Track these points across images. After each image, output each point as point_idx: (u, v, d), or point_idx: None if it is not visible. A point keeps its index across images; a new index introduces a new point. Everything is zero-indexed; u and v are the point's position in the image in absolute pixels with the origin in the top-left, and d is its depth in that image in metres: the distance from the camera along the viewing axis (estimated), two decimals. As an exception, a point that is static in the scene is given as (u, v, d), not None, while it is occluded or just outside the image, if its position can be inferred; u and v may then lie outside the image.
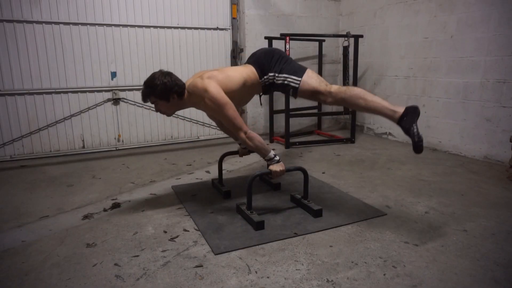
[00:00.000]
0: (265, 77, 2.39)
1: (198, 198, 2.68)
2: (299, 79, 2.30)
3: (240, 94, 2.35)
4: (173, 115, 4.46)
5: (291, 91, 2.34)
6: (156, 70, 4.58)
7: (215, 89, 2.17)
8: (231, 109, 2.19)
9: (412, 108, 2.16)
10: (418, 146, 2.11)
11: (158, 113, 4.40)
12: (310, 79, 2.32)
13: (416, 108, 2.15)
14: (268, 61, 2.39)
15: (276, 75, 2.36)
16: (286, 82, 2.34)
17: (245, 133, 2.23)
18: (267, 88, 2.46)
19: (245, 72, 2.38)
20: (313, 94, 2.32)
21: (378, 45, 4.70)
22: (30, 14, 3.67)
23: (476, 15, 3.54)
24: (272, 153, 2.29)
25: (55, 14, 3.76)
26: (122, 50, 4.13)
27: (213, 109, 2.20)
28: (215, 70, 2.35)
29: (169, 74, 2.24)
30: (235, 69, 2.42)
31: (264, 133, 4.78)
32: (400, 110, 2.18)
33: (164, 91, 2.20)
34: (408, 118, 2.18)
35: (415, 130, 2.14)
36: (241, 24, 4.67)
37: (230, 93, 2.24)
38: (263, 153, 2.28)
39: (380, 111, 2.24)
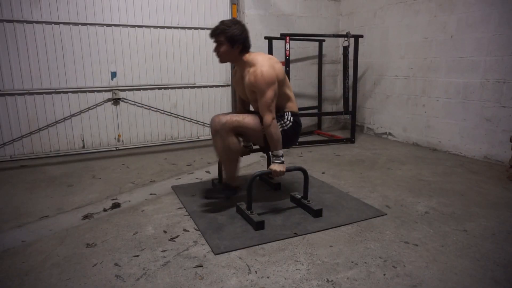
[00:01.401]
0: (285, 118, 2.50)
1: (198, 198, 2.68)
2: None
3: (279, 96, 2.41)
4: (173, 114, 4.49)
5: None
6: (156, 70, 4.57)
7: (271, 69, 2.26)
8: (274, 91, 2.24)
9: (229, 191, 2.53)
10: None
11: (158, 113, 4.44)
12: (252, 123, 2.41)
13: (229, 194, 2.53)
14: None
15: (286, 125, 2.49)
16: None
17: (273, 118, 2.26)
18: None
19: (290, 94, 2.50)
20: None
21: (378, 45, 4.70)
22: (30, 14, 3.67)
23: (476, 15, 3.54)
24: (281, 151, 2.31)
25: (55, 14, 3.76)
26: (122, 50, 4.13)
27: (258, 83, 2.22)
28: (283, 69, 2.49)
29: (245, 27, 2.35)
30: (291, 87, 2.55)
31: (264, 133, 4.77)
32: (233, 183, 2.51)
33: (236, 36, 2.27)
34: (224, 192, 2.53)
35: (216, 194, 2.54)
36: (241, 24, 4.66)
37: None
38: (275, 145, 2.29)
39: (226, 166, 2.46)
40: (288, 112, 2.45)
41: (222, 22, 2.30)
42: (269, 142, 2.32)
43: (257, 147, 2.70)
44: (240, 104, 2.74)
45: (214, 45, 2.36)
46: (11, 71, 3.68)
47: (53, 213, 2.46)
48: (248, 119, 2.35)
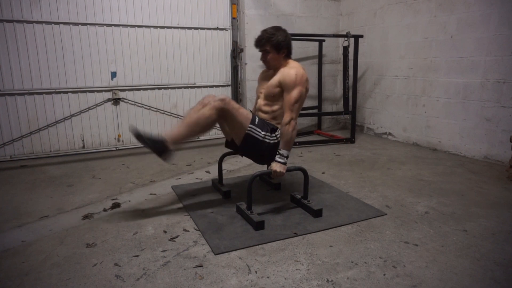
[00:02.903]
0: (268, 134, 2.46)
1: (198, 198, 2.68)
2: (258, 132, 2.39)
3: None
4: (173, 114, 4.49)
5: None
6: (156, 70, 4.56)
7: (305, 76, 2.36)
8: (301, 94, 2.31)
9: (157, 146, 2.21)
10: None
11: (158, 113, 4.44)
12: (239, 116, 2.37)
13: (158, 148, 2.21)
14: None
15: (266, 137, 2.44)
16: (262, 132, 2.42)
17: (294, 119, 2.30)
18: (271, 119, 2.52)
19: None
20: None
21: (378, 45, 4.70)
22: (30, 14, 3.67)
23: (476, 15, 3.54)
24: (289, 152, 2.33)
25: (55, 14, 3.76)
26: (122, 50, 4.13)
27: (291, 80, 2.29)
28: None
29: (287, 32, 2.46)
30: None
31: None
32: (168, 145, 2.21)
33: (281, 43, 2.38)
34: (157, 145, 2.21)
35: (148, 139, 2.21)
36: (241, 24, 4.67)
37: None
38: (287, 146, 2.31)
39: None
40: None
41: (265, 31, 2.42)
42: (281, 139, 2.33)
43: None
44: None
45: (260, 54, 2.47)
46: (11, 71, 3.68)
47: (53, 213, 2.46)
48: (241, 111, 2.33)
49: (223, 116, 2.27)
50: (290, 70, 2.33)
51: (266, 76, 2.57)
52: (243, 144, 2.36)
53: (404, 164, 3.51)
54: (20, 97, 3.76)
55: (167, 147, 2.18)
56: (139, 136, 2.20)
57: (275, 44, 2.38)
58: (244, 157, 3.15)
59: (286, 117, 2.29)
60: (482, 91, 3.57)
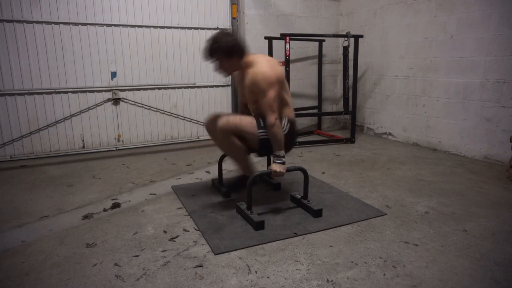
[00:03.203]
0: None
1: (198, 198, 2.68)
2: (258, 132, 2.41)
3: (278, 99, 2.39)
4: (173, 114, 4.49)
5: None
6: (156, 70, 4.56)
7: (272, 69, 2.26)
8: (275, 92, 2.25)
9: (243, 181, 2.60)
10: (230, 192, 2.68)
11: (158, 113, 4.44)
12: (248, 125, 2.41)
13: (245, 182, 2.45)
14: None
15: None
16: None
17: (276, 118, 2.26)
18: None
19: (288, 99, 2.48)
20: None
21: (378, 45, 4.70)
22: (30, 14, 3.67)
23: (476, 15, 3.54)
24: (283, 152, 2.32)
25: (55, 14, 3.76)
26: (122, 50, 4.13)
27: (260, 83, 2.23)
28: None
29: (234, 36, 2.36)
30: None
31: (264, 133, 4.77)
32: (248, 173, 2.59)
33: (231, 48, 2.27)
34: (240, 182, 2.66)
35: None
36: (241, 24, 4.67)
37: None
38: (278, 146, 2.30)
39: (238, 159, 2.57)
40: (285, 117, 2.45)
41: (209, 41, 2.29)
42: (272, 142, 2.32)
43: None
44: (242, 109, 2.74)
45: (213, 64, 2.37)
46: (11, 71, 3.68)
47: (53, 213, 2.46)
48: (245, 122, 2.36)
49: (232, 133, 2.36)
50: (256, 72, 2.24)
51: (239, 78, 2.50)
52: (261, 148, 2.43)
53: (404, 164, 3.51)
54: (20, 97, 3.76)
55: (246, 177, 2.60)
56: (234, 191, 2.70)
57: (225, 51, 2.26)
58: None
59: (270, 118, 2.25)
60: (482, 91, 3.57)
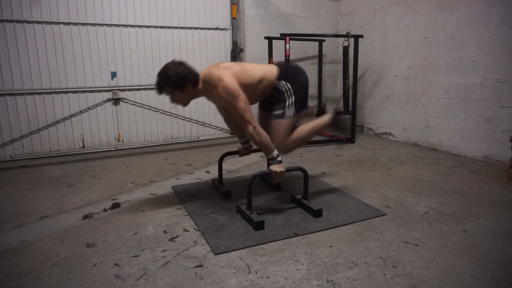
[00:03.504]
0: (282, 81, 2.40)
1: (198, 198, 2.68)
2: (288, 115, 2.39)
3: (254, 90, 2.35)
4: (173, 114, 4.49)
5: (275, 115, 2.40)
6: (156, 70, 4.57)
7: (229, 79, 2.18)
8: (243, 101, 2.20)
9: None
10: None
11: (158, 113, 4.44)
12: (289, 124, 2.42)
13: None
14: (294, 75, 2.46)
15: (290, 91, 2.40)
16: (285, 104, 2.40)
17: (254, 127, 2.22)
18: (272, 93, 2.45)
19: (265, 69, 2.41)
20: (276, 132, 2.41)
21: (378, 45, 4.70)
22: (30, 14, 3.67)
23: (476, 15, 3.54)
24: (275, 152, 2.29)
25: (55, 14, 3.76)
26: (122, 50, 4.13)
27: (225, 99, 2.19)
28: (234, 63, 2.38)
29: (182, 64, 2.27)
30: (255, 65, 2.45)
31: (264, 133, 4.78)
32: (326, 117, 2.62)
33: (179, 81, 2.20)
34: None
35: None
36: (241, 24, 4.67)
37: (243, 86, 2.25)
38: (267, 150, 2.28)
39: (316, 131, 2.58)
40: (276, 82, 2.40)
41: (159, 75, 2.24)
42: (260, 148, 2.32)
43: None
44: (226, 119, 2.77)
45: (168, 97, 2.32)
46: (11, 71, 3.68)
47: (53, 213, 2.46)
48: (281, 128, 2.39)
49: (289, 135, 2.43)
50: (218, 89, 2.18)
51: (206, 97, 2.42)
52: (298, 96, 2.43)
53: (404, 164, 3.51)
54: (20, 97, 3.76)
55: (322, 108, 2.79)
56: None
57: (175, 84, 2.20)
58: (243, 157, 3.16)
59: (248, 129, 2.21)
60: (482, 91, 3.56)
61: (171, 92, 2.26)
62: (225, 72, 2.21)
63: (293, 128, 2.45)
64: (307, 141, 2.58)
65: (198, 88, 2.30)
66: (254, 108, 2.41)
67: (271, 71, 2.42)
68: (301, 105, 2.44)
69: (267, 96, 2.48)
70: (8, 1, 3.56)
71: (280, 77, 2.41)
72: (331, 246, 1.98)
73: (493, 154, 3.53)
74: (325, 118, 2.59)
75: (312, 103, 2.70)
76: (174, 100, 2.32)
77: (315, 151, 4.10)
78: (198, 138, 4.74)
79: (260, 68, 2.41)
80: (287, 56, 4.06)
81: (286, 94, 2.39)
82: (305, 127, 2.49)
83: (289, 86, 2.39)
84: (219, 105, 2.49)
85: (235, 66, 2.31)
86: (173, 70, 2.20)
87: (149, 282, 1.67)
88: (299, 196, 2.50)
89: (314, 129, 2.54)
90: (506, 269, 1.74)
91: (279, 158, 2.29)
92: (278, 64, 2.51)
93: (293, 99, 2.39)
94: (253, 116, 2.24)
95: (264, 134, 2.24)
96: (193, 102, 4.57)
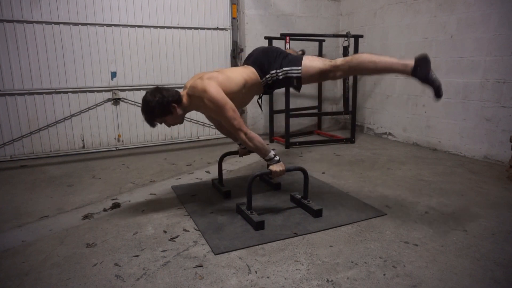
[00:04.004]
0: (267, 76, 2.39)
1: (198, 198, 2.68)
2: (299, 67, 2.31)
3: (241, 95, 2.35)
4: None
5: (295, 81, 2.34)
6: (156, 70, 4.58)
7: (215, 89, 2.16)
8: (231, 109, 2.18)
9: (422, 58, 2.13)
10: (438, 91, 2.13)
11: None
12: (312, 62, 2.32)
13: (425, 57, 2.13)
14: (267, 59, 2.39)
15: (278, 71, 2.36)
16: (288, 75, 2.34)
17: (245, 134, 2.22)
18: (269, 86, 2.47)
19: (245, 72, 2.38)
20: (321, 75, 2.33)
21: (378, 45, 4.70)
22: (30, 14, 3.67)
23: (476, 15, 3.54)
24: (272, 153, 2.28)
25: (55, 14, 3.76)
26: (122, 50, 4.13)
27: (212, 109, 2.20)
28: (215, 72, 2.34)
29: (158, 90, 2.21)
30: (234, 70, 2.42)
31: (264, 133, 4.78)
32: (411, 62, 2.15)
33: (163, 107, 2.18)
34: (421, 68, 2.13)
35: (433, 76, 2.12)
36: (241, 24, 4.67)
37: (230, 94, 2.23)
38: (263, 153, 2.28)
39: (391, 69, 2.22)
40: (264, 81, 2.39)
41: (142, 111, 2.22)
42: (256, 152, 2.32)
43: None
44: (218, 126, 2.77)
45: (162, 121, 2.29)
46: (11, 71, 3.68)
47: (53, 213, 2.46)
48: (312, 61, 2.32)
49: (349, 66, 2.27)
50: (204, 101, 2.17)
51: (195, 109, 2.40)
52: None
53: (404, 164, 3.51)
54: (20, 97, 3.76)
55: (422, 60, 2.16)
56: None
57: (161, 111, 2.18)
58: (243, 157, 3.16)
59: (240, 137, 2.22)
60: (482, 91, 3.56)
61: (162, 119, 2.26)
62: (210, 83, 2.18)
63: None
64: (375, 69, 2.23)
65: (184, 104, 2.29)
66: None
67: (251, 71, 2.39)
68: (294, 59, 2.37)
69: (261, 92, 2.50)
70: (8, 1, 3.56)
71: (263, 73, 2.39)
72: (331, 246, 1.98)
73: (493, 154, 3.53)
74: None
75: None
76: (169, 124, 2.33)
77: (315, 151, 4.11)
78: (198, 138, 4.74)
79: (241, 72, 2.38)
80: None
81: (282, 75, 2.35)
82: (382, 57, 2.24)
83: (277, 70, 2.36)
84: (208, 115, 2.50)
85: (219, 75, 2.27)
86: (153, 101, 2.17)
87: (149, 282, 1.67)
88: (299, 196, 2.50)
89: (390, 63, 2.20)
90: (506, 269, 1.74)
91: (277, 158, 2.29)
92: (251, 63, 2.44)
93: (287, 66, 2.33)
94: (242, 122, 2.23)
95: (257, 138, 2.24)
96: (193, 102, 4.59)
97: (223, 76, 2.28)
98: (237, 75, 2.34)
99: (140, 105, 2.26)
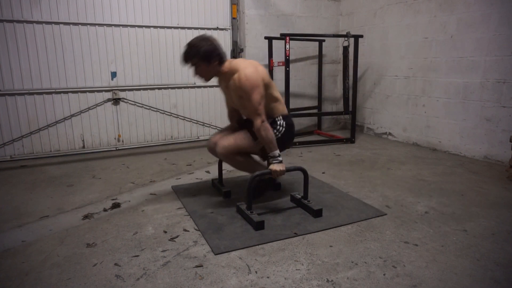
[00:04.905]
0: (281, 120, 2.49)
1: (198, 198, 2.68)
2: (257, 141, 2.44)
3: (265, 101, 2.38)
4: (173, 114, 4.49)
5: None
6: (156, 70, 4.57)
7: (255, 71, 2.24)
8: (260, 94, 2.23)
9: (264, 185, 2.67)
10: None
11: (158, 113, 4.44)
12: (250, 144, 2.44)
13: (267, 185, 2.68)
14: (290, 125, 2.56)
15: (282, 129, 2.49)
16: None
17: (263, 121, 2.25)
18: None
19: (281, 98, 2.50)
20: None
21: (378, 45, 4.70)
22: (30, 14, 3.67)
23: (476, 15, 3.54)
24: (278, 151, 2.31)
25: (55, 14, 3.76)
26: (122, 50, 4.13)
27: (242, 87, 2.21)
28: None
29: (213, 39, 2.31)
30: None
31: (264, 133, 4.77)
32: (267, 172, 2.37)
33: (208, 53, 2.24)
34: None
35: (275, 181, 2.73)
36: (241, 24, 4.67)
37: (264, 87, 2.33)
38: (270, 147, 2.29)
39: (251, 168, 2.51)
40: (279, 116, 2.46)
41: (189, 45, 2.28)
42: (263, 144, 2.32)
43: None
44: (230, 114, 2.73)
45: (191, 69, 2.34)
46: (11, 71, 3.68)
47: (53, 213, 2.46)
48: (240, 140, 2.39)
49: (234, 154, 2.40)
50: (240, 76, 2.22)
51: (224, 85, 2.47)
52: (266, 153, 2.46)
53: (404, 164, 3.51)
54: (20, 97, 3.76)
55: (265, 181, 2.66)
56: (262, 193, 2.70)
57: (203, 55, 2.24)
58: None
59: (257, 122, 2.24)
60: (482, 91, 3.57)
61: (197, 63, 2.28)
62: (253, 64, 2.29)
63: (245, 152, 2.48)
64: (239, 166, 2.49)
65: (223, 69, 2.34)
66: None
67: (284, 106, 2.53)
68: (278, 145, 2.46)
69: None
70: (8, 1, 3.56)
71: (284, 117, 2.49)
72: (331, 246, 1.98)
73: (493, 154, 3.53)
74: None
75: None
76: (197, 72, 2.34)
77: (315, 151, 4.11)
78: (198, 138, 4.74)
79: (280, 97, 2.50)
80: (287, 56, 4.06)
81: (277, 129, 2.43)
82: (251, 158, 2.56)
83: (284, 124, 2.46)
84: (234, 95, 2.39)
85: (267, 74, 2.37)
86: (206, 41, 2.25)
87: (149, 282, 1.67)
88: (299, 196, 2.50)
89: (253, 165, 2.52)
90: (506, 269, 1.74)
91: (280, 158, 2.31)
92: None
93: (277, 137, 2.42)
94: (264, 112, 2.27)
95: (271, 131, 2.28)
96: (193, 102, 4.60)
97: (269, 78, 2.39)
98: (276, 90, 2.48)
99: (182, 52, 2.30)
